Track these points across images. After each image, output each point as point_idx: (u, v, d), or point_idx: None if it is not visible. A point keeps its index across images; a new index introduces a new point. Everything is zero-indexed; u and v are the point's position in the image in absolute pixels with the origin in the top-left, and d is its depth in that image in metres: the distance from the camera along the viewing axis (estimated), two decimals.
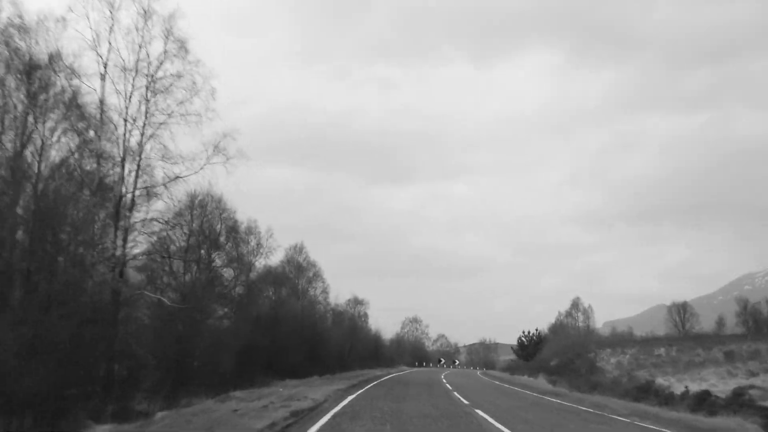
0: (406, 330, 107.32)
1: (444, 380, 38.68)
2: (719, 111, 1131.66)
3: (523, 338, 74.63)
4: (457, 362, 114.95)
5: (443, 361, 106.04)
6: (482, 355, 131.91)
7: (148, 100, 21.88)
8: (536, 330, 75.04)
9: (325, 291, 57.01)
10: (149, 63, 21.88)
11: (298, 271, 52.96)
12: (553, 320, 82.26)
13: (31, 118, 16.59)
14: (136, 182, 21.47)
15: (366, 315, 74.22)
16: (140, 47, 21.66)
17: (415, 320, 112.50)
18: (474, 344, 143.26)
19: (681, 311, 75.42)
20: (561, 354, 52.90)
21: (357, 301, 72.81)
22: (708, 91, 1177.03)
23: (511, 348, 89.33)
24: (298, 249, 53.13)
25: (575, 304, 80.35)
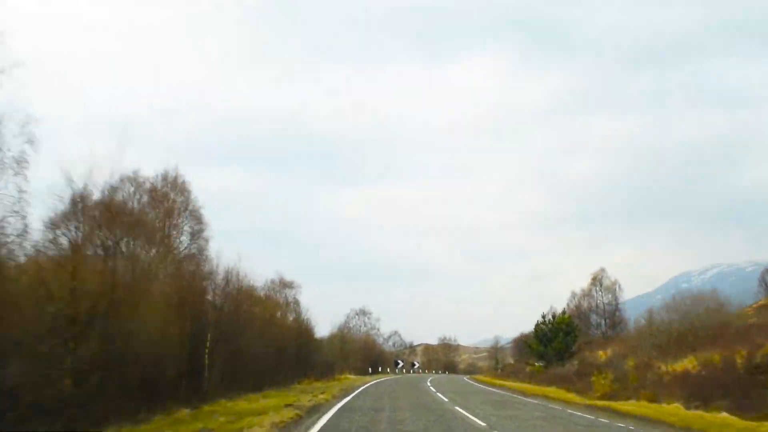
0: (352, 324, 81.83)
1: None
2: (661, 114, 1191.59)
3: (544, 325, 50.31)
4: (417, 364, 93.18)
5: (401, 363, 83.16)
6: (442, 355, 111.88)
7: None
8: (563, 311, 51.66)
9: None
10: None
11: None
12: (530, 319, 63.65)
13: None
14: None
15: (297, 302, 47.14)
16: None
17: (363, 312, 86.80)
18: (430, 345, 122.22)
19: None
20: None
21: (284, 284, 46.40)
22: (651, 93, 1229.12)
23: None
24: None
25: (597, 279, 57.54)
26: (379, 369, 68.88)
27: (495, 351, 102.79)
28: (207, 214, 33.90)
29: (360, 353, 67.79)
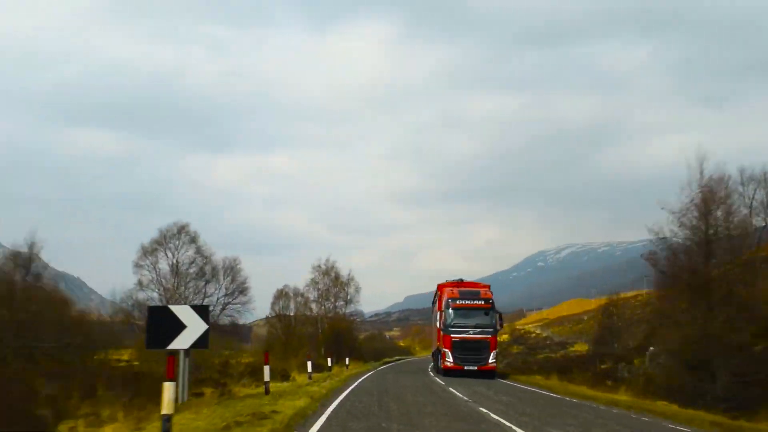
0: None
1: None
2: (539, 94, 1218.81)
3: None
4: None
5: None
6: None
7: None
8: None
9: None
10: None
11: None
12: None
13: None
14: None
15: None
16: None
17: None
18: None
19: None
20: None
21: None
22: (531, 73, 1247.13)
23: None
24: None
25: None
26: None
27: None
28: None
29: None
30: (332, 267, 52.26)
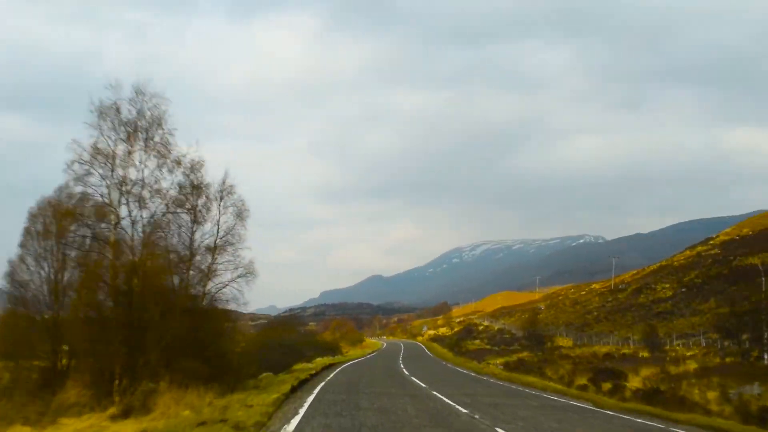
0: None
1: None
2: (464, 92, 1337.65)
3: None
4: None
5: None
6: None
7: None
8: None
9: None
10: None
11: None
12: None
13: None
14: None
15: None
16: None
17: None
18: None
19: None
20: None
21: None
22: (456, 71, 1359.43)
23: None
24: None
25: None
26: None
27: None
28: None
29: None
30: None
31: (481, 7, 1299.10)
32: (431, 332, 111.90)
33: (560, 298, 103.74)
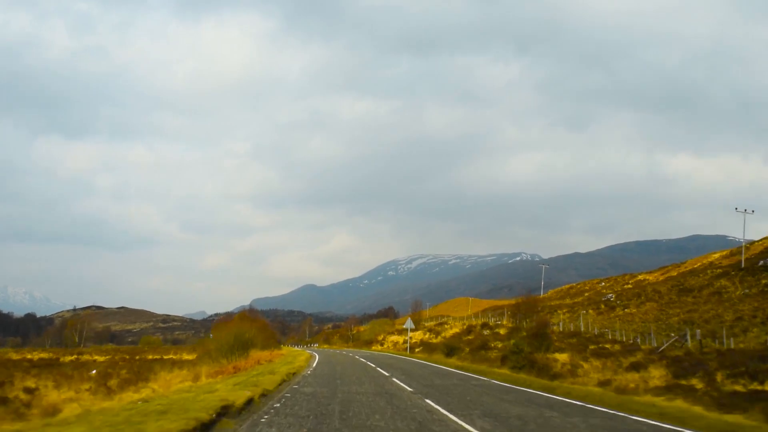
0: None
1: None
2: (411, 102, 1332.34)
3: None
4: None
5: None
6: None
7: None
8: None
9: None
10: None
11: None
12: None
13: None
14: None
15: None
16: None
17: None
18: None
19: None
20: None
21: None
22: (405, 80, 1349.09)
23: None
24: None
25: None
26: None
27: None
28: None
29: None
30: None
31: (434, 18, 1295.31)
32: (419, 337, 64.07)
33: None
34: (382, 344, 74.91)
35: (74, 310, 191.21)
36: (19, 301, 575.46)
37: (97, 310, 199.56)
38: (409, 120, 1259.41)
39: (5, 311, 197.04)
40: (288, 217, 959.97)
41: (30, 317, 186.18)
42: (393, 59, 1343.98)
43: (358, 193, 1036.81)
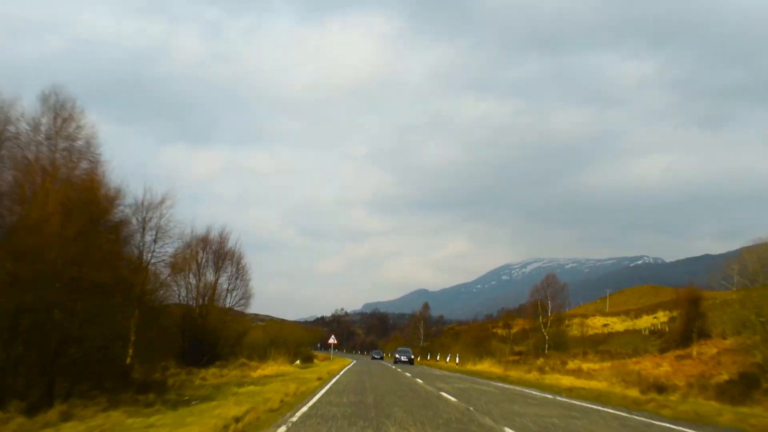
0: None
1: None
2: (534, 103, 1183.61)
3: None
4: None
5: None
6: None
7: None
8: None
9: None
10: None
11: None
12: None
13: None
14: None
15: None
16: None
17: None
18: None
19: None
20: None
21: None
22: (529, 80, 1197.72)
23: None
24: None
25: None
26: None
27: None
28: None
29: None
30: None
31: (561, 14, 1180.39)
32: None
33: None
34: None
35: None
36: None
37: None
38: (531, 121, 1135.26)
39: None
40: (402, 222, 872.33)
41: None
42: (519, 58, 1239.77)
43: (475, 196, 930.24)
